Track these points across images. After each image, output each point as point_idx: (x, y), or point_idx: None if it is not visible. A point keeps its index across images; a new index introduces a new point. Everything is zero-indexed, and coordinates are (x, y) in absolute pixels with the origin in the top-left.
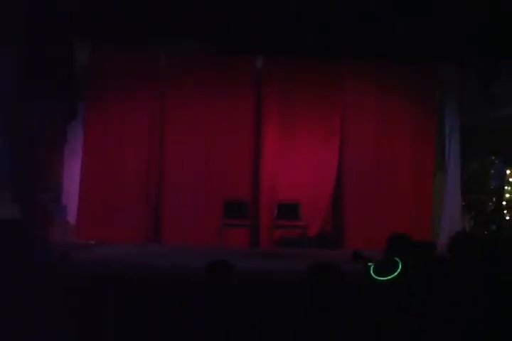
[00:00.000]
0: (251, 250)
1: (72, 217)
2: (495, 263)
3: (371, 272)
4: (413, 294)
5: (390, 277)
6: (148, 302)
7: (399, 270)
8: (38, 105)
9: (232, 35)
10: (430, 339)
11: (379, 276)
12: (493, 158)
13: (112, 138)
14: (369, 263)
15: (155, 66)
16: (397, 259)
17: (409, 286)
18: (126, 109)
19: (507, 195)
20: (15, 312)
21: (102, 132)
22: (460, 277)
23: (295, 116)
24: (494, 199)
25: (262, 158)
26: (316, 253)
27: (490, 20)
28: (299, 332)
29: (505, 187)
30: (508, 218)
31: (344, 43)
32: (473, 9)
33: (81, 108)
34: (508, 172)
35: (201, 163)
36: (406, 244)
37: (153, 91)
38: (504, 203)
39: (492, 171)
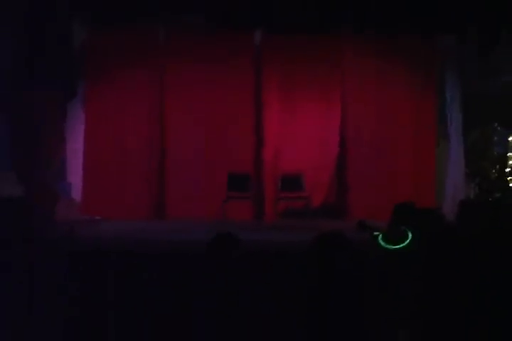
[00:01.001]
0: (255, 222)
1: (77, 193)
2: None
3: (380, 240)
4: (421, 262)
5: (400, 245)
6: (151, 277)
7: (409, 239)
8: (38, 83)
9: (231, 11)
10: (434, 306)
11: (389, 244)
12: (496, 125)
13: (112, 116)
14: (375, 232)
15: (154, 43)
16: (406, 228)
17: (417, 254)
18: (126, 86)
19: (511, 162)
20: (19, 288)
21: (103, 110)
22: (467, 246)
23: (295, 90)
24: (498, 166)
25: (264, 131)
26: (321, 223)
27: None
28: (307, 302)
29: (509, 154)
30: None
31: (343, 18)
32: None
33: (81, 86)
34: (511, 139)
35: (202, 137)
36: (412, 212)
37: (153, 68)
38: (508, 170)
39: (495, 138)
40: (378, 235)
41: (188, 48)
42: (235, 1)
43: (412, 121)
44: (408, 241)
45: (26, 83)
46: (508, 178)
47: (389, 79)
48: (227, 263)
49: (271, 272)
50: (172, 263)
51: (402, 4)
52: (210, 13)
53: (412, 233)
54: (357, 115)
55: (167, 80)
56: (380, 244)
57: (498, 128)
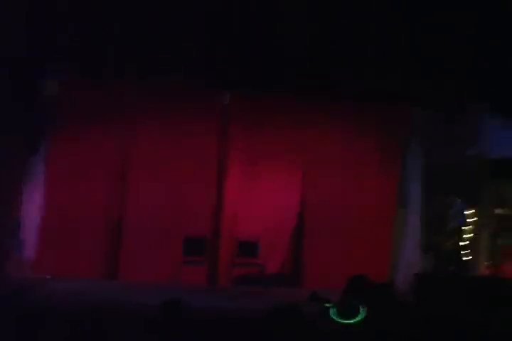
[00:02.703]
0: (208, 287)
1: (29, 251)
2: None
3: (331, 313)
4: (373, 337)
5: (352, 320)
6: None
7: (361, 314)
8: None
9: (200, 71)
10: None
11: (340, 318)
12: (455, 197)
13: (74, 173)
14: (327, 304)
15: (122, 103)
16: (358, 303)
17: (369, 330)
18: (89, 142)
19: (466, 236)
20: None
21: (65, 166)
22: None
23: (260, 153)
24: (454, 239)
25: (224, 195)
26: (274, 291)
27: (455, 65)
28: None
29: (465, 228)
30: (467, 258)
31: (310, 83)
32: (439, 57)
33: (43, 142)
34: (468, 212)
35: (162, 199)
36: (366, 287)
37: (119, 127)
38: (464, 243)
39: (453, 211)
40: (330, 307)
41: (155, 107)
42: (203, 62)
43: (373, 189)
44: (360, 316)
45: None
46: (463, 251)
47: (354, 148)
48: (176, 330)
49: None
50: (119, 326)
51: (371, 73)
52: (178, 73)
53: (364, 308)
54: (319, 183)
55: (131, 137)
56: (331, 317)
57: (457, 200)
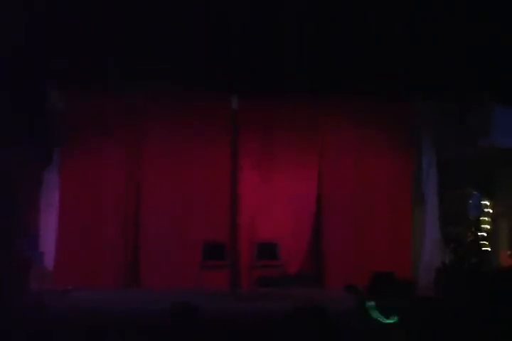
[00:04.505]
0: (231, 291)
1: (49, 263)
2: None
3: (371, 313)
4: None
5: (393, 320)
6: None
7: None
8: (13, 148)
9: (208, 76)
10: None
11: (382, 318)
12: (470, 189)
13: (87, 183)
14: (368, 303)
15: (131, 110)
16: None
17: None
18: (102, 152)
19: (485, 226)
20: None
21: (79, 178)
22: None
23: (272, 156)
24: (472, 231)
25: (240, 199)
26: (297, 292)
27: (465, 56)
28: None
29: (483, 218)
30: (487, 249)
31: (319, 81)
32: (447, 47)
33: (56, 152)
34: (485, 203)
35: (179, 205)
36: (392, 285)
37: (129, 134)
38: (483, 234)
39: (470, 202)
40: (370, 306)
41: (166, 113)
42: (213, 66)
43: (388, 186)
44: (396, 315)
45: (2, 151)
46: (483, 242)
47: (366, 145)
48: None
49: None
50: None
51: (383, 72)
52: (187, 79)
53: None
54: (334, 181)
55: (144, 148)
56: (371, 316)
57: (473, 192)
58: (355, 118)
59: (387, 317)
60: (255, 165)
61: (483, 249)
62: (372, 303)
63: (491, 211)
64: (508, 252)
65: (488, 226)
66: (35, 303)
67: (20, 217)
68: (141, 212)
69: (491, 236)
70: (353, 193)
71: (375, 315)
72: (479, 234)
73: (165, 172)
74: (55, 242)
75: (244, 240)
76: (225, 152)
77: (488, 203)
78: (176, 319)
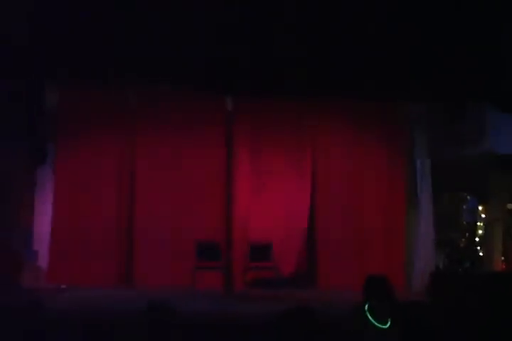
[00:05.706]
0: (224, 292)
1: (43, 261)
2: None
3: (369, 317)
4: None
5: (386, 325)
6: None
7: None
8: (6, 146)
9: (202, 77)
10: None
11: (377, 322)
12: (465, 193)
13: (82, 182)
14: (366, 306)
15: (124, 108)
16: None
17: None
18: (96, 152)
19: (479, 231)
20: None
21: (73, 175)
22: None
23: (266, 157)
24: (467, 236)
25: (234, 199)
26: (290, 293)
27: (456, 64)
28: None
29: (478, 223)
30: (481, 254)
31: (311, 83)
32: (438, 54)
33: (51, 150)
34: (479, 208)
35: (173, 207)
36: (386, 290)
37: (123, 133)
38: (477, 239)
39: (464, 207)
40: (367, 310)
41: (158, 113)
42: (207, 68)
43: (382, 188)
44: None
45: None
46: (477, 247)
47: (359, 146)
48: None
49: None
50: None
51: (376, 74)
52: (181, 80)
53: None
54: (327, 183)
55: (137, 146)
56: (369, 320)
57: (468, 197)
58: (348, 121)
59: (381, 321)
60: (249, 167)
61: (476, 254)
62: (367, 306)
63: (485, 216)
64: (502, 258)
65: (483, 232)
66: (30, 302)
67: (13, 215)
68: (136, 213)
69: (485, 241)
70: (347, 195)
71: (370, 318)
72: (474, 239)
73: (159, 174)
74: (49, 240)
75: (237, 241)
76: (219, 153)
77: (482, 208)
78: (152, 317)
